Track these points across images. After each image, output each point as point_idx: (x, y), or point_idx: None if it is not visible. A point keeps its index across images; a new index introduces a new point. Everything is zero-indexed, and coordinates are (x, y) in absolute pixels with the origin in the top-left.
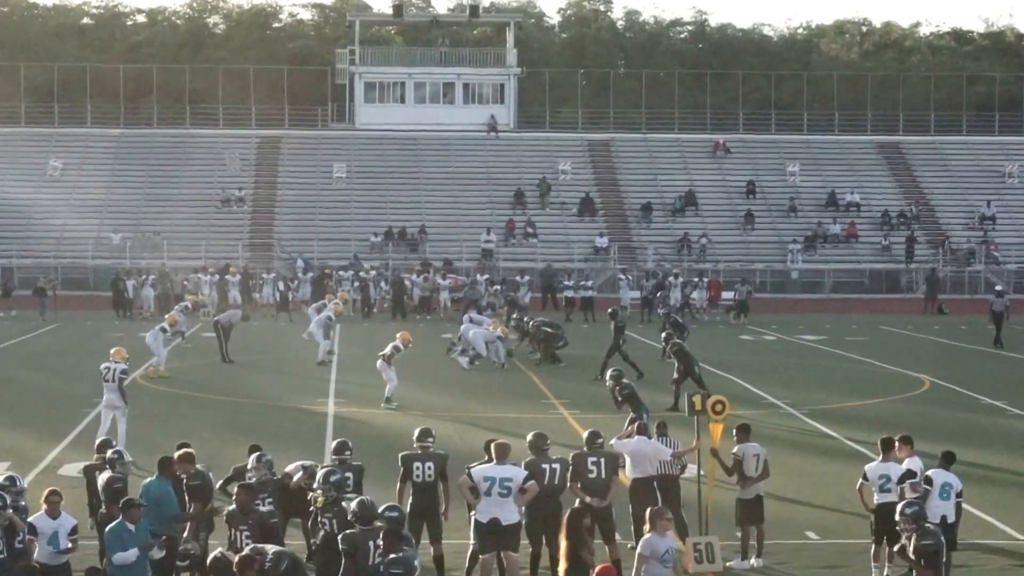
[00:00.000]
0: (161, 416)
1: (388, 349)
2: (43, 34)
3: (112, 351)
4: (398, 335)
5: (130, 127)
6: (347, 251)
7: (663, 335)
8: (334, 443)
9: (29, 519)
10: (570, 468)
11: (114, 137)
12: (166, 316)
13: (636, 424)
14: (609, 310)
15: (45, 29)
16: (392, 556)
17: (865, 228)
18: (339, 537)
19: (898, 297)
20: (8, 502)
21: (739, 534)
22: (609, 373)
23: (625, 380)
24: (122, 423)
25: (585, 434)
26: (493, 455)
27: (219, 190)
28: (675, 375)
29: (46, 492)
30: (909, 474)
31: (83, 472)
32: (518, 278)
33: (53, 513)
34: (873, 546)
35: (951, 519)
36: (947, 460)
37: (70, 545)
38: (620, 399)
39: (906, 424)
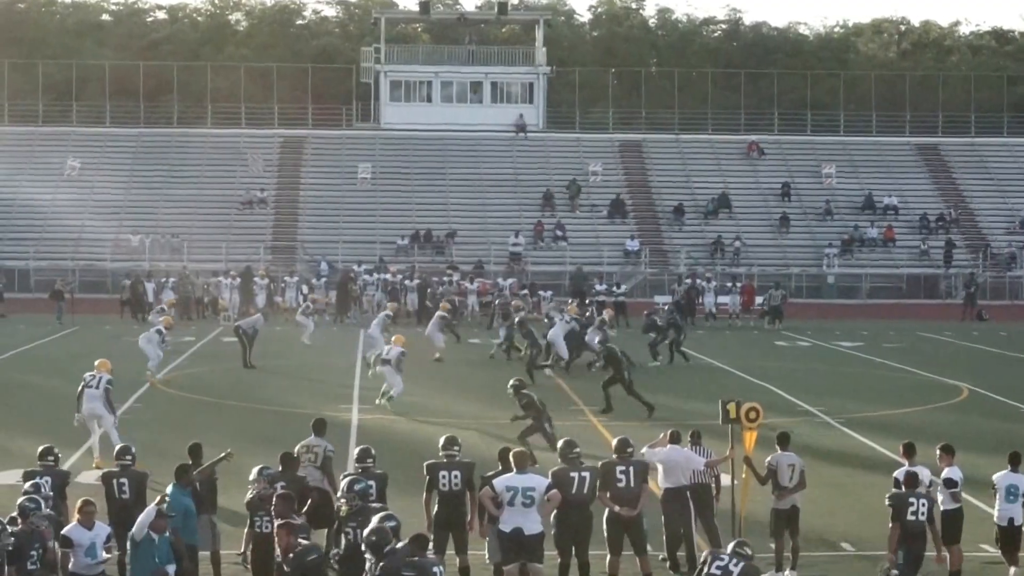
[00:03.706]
0: (179, 422)
1: (394, 355)
2: (61, 31)
3: (97, 363)
4: (393, 338)
5: (150, 126)
6: (372, 254)
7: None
8: (356, 450)
9: (63, 531)
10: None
11: (133, 136)
12: (160, 319)
13: (669, 432)
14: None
15: (63, 26)
16: (408, 559)
17: (903, 232)
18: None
19: (936, 303)
20: (41, 505)
21: (773, 545)
22: (511, 382)
23: (525, 390)
24: (113, 433)
25: (614, 442)
26: (512, 464)
27: (241, 191)
28: (606, 378)
29: (79, 502)
30: (949, 483)
31: (101, 480)
32: (530, 289)
33: (87, 523)
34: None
35: (1018, 521)
36: (1014, 461)
37: (106, 555)
38: (520, 406)
39: (944, 433)
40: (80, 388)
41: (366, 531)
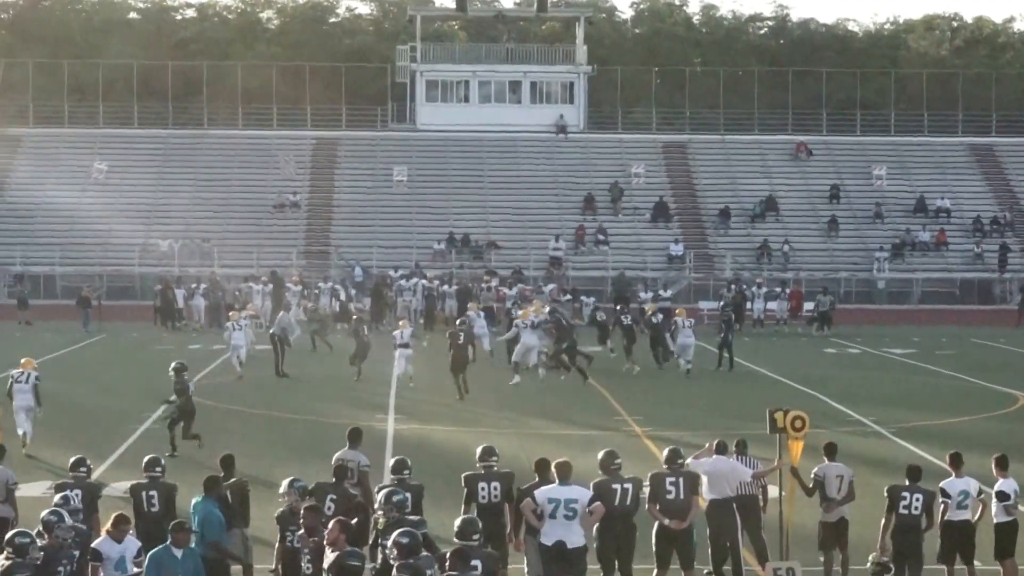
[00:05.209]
0: (209, 433)
1: (408, 336)
2: (87, 30)
3: (23, 361)
4: (400, 323)
5: (179, 128)
6: (408, 259)
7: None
8: (392, 461)
9: (93, 544)
10: (647, 488)
11: (162, 138)
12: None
13: (715, 443)
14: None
15: (89, 24)
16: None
17: (956, 235)
18: (396, 566)
19: (991, 308)
20: (64, 517)
21: (822, 559)
22: (173, 365)
23: (185, 374)
24: (29, 424)
25: (665, 452)
26: (555, 475)
27: (273, 194)
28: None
29: (113, 517)
30: (1002, 496)
31: (129, 492)
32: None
33: (119, 537)
34: (945, 567)
35: None
36: None
37: (136, 569)
38: (174, 389)
39: (998, 443)
40: (9, 384)
41: (396, 533)
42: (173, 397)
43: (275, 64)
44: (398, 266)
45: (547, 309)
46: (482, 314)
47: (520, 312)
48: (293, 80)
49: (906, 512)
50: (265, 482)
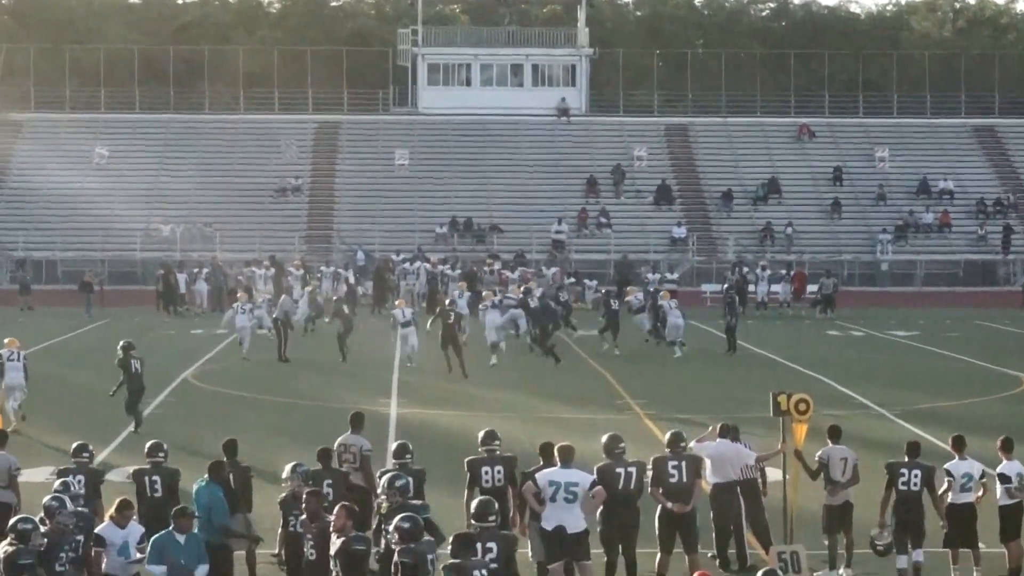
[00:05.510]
0: (212, 418)
1: (410, 315)
2: (88, 14)
3: (7, 340)
4: (396, 301)
5: (180, 112)
6: (410, 243)
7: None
8: (395, 446)
9: (96, 530)
10: (650, 472)
11: (163, 123)
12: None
13: (719, 426)
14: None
15: (90, 9)
16: (451, 563)
17: (959, 216)
18: (398, 551)
19: (995, 290)
20: (65, 503)
21: (826, 542)
22: (122, 343)
23: (133, 352)
24: (18, 396)
25: (667, 436)
26: (557, 458)
27: (275, 179)
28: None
29: (117, 503)
30: (1003, 479)
31: (132, 477)
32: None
33: (122, 523)
34: (950, 551)
35: None
36: None
37: (140, 555)
38: (118, 363)
39: (1003, 425)
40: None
41: (398, 518)
42: (115, 389)
43: (276, 48)
44: (400, 250)
45: (521, 289)
46: (467, 294)
47: (485, 293)
48: (294, 64)
49: (905, 488)
50: (267, 467)
